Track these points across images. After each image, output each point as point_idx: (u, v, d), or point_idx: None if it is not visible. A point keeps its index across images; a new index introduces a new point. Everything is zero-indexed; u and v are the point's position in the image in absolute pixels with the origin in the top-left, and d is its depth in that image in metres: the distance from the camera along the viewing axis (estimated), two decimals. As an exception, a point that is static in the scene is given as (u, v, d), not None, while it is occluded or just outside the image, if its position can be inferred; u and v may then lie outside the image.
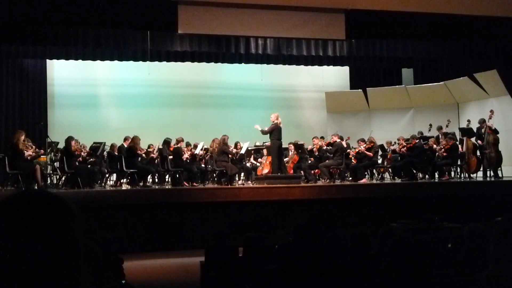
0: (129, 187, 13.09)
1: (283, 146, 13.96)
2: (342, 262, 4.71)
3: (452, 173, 14.87)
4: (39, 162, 12.52)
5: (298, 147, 14.61)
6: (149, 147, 14.33)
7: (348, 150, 14.55)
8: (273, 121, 13.41)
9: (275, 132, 13.31)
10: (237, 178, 14.49)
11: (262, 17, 12.37)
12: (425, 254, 4.45)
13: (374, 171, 15.55)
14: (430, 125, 15.59)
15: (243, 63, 17.72)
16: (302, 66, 18.24)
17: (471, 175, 14.63)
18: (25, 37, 14.03)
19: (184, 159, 13.57)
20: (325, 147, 14.57)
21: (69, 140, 12.49)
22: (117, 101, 18.26)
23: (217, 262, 6.21)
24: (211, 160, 14.33)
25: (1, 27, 12.99)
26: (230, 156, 13.76)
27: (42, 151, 12.59)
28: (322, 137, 15.37)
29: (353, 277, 4.50)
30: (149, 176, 13.86)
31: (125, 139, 13.59)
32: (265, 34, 13.57)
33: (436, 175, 14.49)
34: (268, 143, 14.52)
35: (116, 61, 16.97)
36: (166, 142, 13.76)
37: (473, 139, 14.64)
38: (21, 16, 11.74)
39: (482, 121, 14.42)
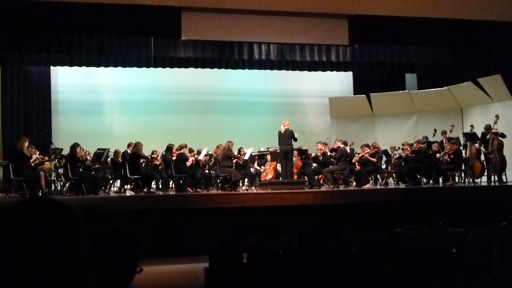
0: (133, 193, 13.09)
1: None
2: (346, 268, 4.70)
3: (456, 178, 14.82)
4: (43, 168, 12.53)
5: (302, 152, 14.60)
6: (152, 153, 14.35)
7: (354, 158, 14.52)
8: None
9: (279, 137, 13.34)
10: (241, 184, 14.48)
11: (265, 23, 12.39)
12: (429, 259, 4.44)
13: (378, 176, 15.51)
14: (435, 130, 15.57)
15: (246, 69, 17.76)
16: (305, 72, 18.26)
17: (475, 180, 14.59)
18: (29, 44, 14.09)
19: (188, 165, 13.56)
20: (329, 154, 14.55)
21: (74, 146, 12.50)
22: (121, 107, 18.29)
23: (222, 268, 6.21)
24: (215, 166, 14.33)
25: (5, 34, 13.05)
26: (234, 161, 13.77)
27: (46, 157, 12.61)
28: (325, 143, 15.34)
29: (357, 282, 4.49)
30: (153, 182, 13.86)
31: (129, 145, 13.63)
32: (269, 40, 13.59)
33: (440, 180, 14.45)
34: (271, 149, 14.54)
35: (120, 68, 17.02)
36: (169, 148, 13.77)
37: (477, 144, 14.62)
38: (25, 24, 11.79)
39: (488, 127, 14.38)
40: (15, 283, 1.16)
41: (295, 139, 13.42)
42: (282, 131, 13.32)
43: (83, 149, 13.33)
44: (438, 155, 14.36)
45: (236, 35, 12.68)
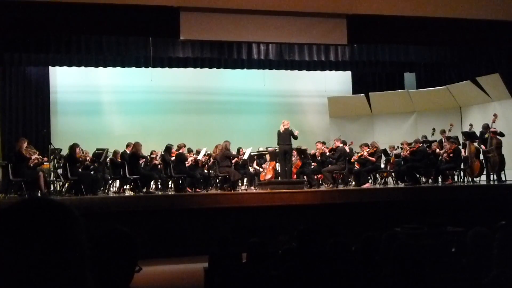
0: (132, 193, 13.09)
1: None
2: (345, 268, 4.70)
3: (455, 177, 14.85)
4: (43, 169, 12.52)
5: (301, 152, 14.60)
6: (152, 153, 14.35)
7: (353, 157, 14.51)
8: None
9: (278, 137, 13.35)
10: (240, 184, 14.48)
11: (264, 23, 12.37)
12: (428, 258, 4.44)
13: (377, 175, 15.51)
14: (434, 129, 15.58)
15: (245, 69, 17.74)
16: (304, 71, 18.25)
17: (474, 179, 14.60)
18: (28, 45, 14.07)
19: (187, 165, 13.56)
20: (328, 154, 14.55)
21: (73, 147, 12.50)
22: (120, 107, 18.29)
23: (221, 268, 6.20)
24: (214, 166, 14.33)
25: (4, 35, 13.03)
26: (233, 161, 13.78)
27: (45, 158, 12.60)
28: (323, 142, 15.34)
29: (357, 282, 4.49)
30: (152, 182, 13.85)
31: (127, 146, 13.63)
32: (267, 39, 13.58)
33: (440, 179, 14.46)
34: (270, 148, 14.54)
35: (118, 68, 17.01)
36: (168, 148, 13.76)
37: (475, 143, 14.63)
38: (23, 24, 11.77)
39: (486, 127, 14.42)
40: (14, 284, 1.16)
41: (295, 137, 13.43)
42: (282, 131, 13.34)
43: (82, 150, 13.33)
44: (438, 150, 14.37)
45: (234, 35, 12.66)
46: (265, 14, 12.22)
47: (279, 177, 13.80)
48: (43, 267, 1.17)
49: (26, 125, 16.75)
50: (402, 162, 14.70)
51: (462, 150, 14.67)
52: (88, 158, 13.25)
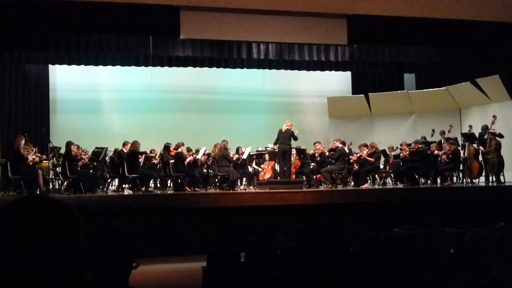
0: (131, 192, 13.08)
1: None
2: (344, 268, 4.70)
3: (454, 178, 14.84)
4: (41, 167, 12.51)
5: (300, 152, 14.60)
6: (151, 152, 14.33)
7: (350, 156, 14.50)
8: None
9: (279, 137, 13.35)
10: (239, 183, 14.47)
11: (264, 23, 12.38)
12: (427, 259, 4.44)
13: (376, 176, 15.51)
14: (433, 130, 15.58)
15: (245, 68, 17.73)
16: (304, 71, 18.24)
17: (473, 180, 14.60)
18: (28, 43, 14.05)
19: (186, 163, 13.55)
20: (327, 153, 14.55)
21: (68, 145, 12.50)
22: (119, 106, 18.27)
23: (219, 267, 6.21)
24: (213, 165, 14.33)
25: (4, 32, 13.02)
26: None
27: (44, 156, 12.58)
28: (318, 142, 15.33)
29: (355, 282, 4.49)
30: (151, 181, 13.83)
31: (124, 144, 13.52)
32: (267, 39, 13.59)
33: (438, 180, 14.46)
34: (270, 148, 14.54)
35: (118, 66, 16.98)
36: (166, 147, 13.75)
37: (475, 145, 14.63)
38: (23, 22, 11.77)
39: (485, 128, 14.42)
40: (12, 282, 1.16)
41: (295, 138, 13.43)
42: (283, 130, 13.34)
43: (81, 148, 13.32)
44: (436, 152, 14.37)
45: (234, 34, 12.67)
46: (265, 14, 12.23)
47: (278, 177, 13.80)
48: (41, 265, 1.17)
49: (26, 123, 16.72)
50: (401, 163, 14.70)
51: (461, 151, 14.67)
52: (84, 156, 13.20)
